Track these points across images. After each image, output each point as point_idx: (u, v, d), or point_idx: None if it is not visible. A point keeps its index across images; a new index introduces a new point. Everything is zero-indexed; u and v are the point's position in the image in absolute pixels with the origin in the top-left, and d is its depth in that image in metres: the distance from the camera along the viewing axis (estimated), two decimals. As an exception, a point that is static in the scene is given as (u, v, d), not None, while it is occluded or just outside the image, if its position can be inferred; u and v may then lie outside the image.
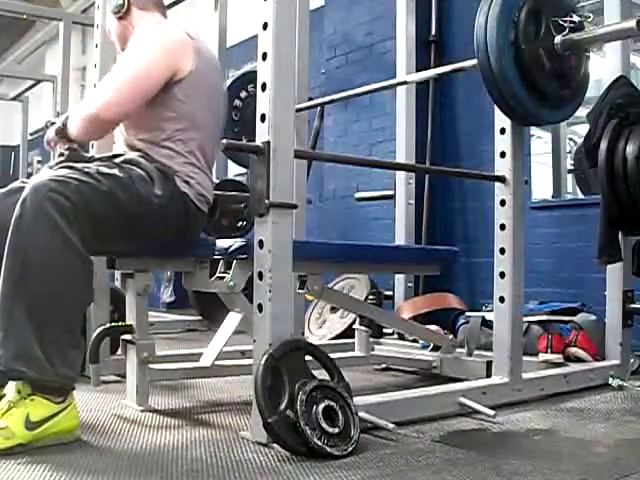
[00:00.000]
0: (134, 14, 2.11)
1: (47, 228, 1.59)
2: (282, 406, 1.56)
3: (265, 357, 1.60)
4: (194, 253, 2.10)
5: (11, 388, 1.59)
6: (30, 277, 1.57)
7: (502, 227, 2.17)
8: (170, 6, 4.31)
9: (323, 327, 3.58)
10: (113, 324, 2.09)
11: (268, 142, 1.64)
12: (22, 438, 1.53)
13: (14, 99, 6.97)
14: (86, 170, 1.75)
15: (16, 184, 1.87)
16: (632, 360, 2.62)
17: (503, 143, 2.18)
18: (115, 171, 1.81)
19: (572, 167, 3.86)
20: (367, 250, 2.39)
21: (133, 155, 1.93)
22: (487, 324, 2.76)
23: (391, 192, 3.64)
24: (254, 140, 1.68)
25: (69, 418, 1.62)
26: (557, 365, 2.53)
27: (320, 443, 1.52)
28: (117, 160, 1.92)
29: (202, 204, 2.00)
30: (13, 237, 1.59)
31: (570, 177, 3.86)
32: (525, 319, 2.55)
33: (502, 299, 2.16)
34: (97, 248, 1.76)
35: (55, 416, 1.58)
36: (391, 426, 1.71)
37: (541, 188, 3.72)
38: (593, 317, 2.81)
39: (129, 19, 2.11)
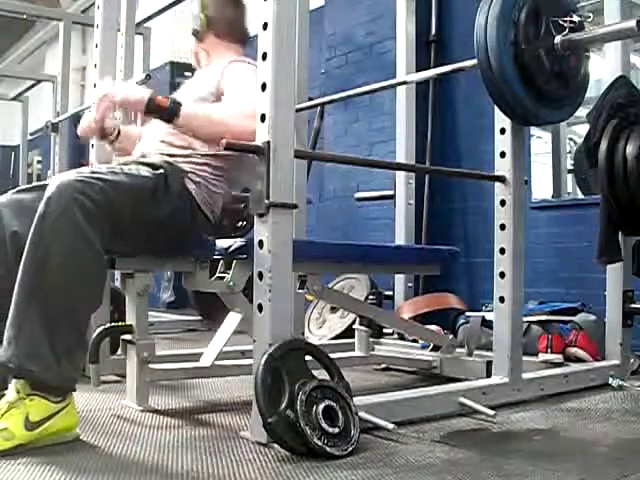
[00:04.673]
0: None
1: (70, 229, 1.61)
2: (282, 406, 1.56)
3: (265, 357, 1.60)
4: (194, 253, 2.10)
5: (9, 387, 1.58)
6: (48, 275, 1.58)
7: (502, 227, 2.17)
8: (170, 6, 4.32)
9: (323, 327, 3.58)
10: (113, 324, 2.09)
11: (268, 142, 1.64)
12: (22, 439, 1.52)
13: (14, 99, 6.97)
14: (110, 170, 1.81)
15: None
16: (632, 360, 2.61)
17: (503, 143, 2.18)
18: (138, 171, 1.89)
19: (572, 167, 3.86)
20: (367, 250, 2.39)
21: (155, 159, 2.00)
22: (487, 324, 2.76)
23: (391, 192, 3.64)
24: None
25: (68, 417, 1.62)
26: (557, 365, 2.52)
27: (320, 443, 1.52)
28: (140, 160, 2.01)
29: (207, 209, 2.04)
30: (35, 234, 1.60)
31: (570, 177, 3.86)
32: (525, 319, 2.55)
33: (502, 299, 2.16)
34: (109, 247, 1.77)
35: (54, 416, 1.58)
36: (391, 426, 1.71)
37: (541, 188, 3.72)
38: (593, 317, 2.81)
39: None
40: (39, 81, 6.71)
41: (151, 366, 2.05)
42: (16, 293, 1.58)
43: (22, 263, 1.59)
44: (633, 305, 2.54)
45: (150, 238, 1.90)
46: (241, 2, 2.39)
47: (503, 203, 2.17)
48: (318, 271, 2.16)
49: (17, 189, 1.91)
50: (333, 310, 3.57)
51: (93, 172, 1.76)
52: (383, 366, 2.89)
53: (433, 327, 2.97)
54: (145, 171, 1.91)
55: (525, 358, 2.27)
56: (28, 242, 1.60)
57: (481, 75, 2.00)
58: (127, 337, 2.03)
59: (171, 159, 2.03)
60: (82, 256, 1.62)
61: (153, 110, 1.90)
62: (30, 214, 1.65)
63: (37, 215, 1.61)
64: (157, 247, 1.96)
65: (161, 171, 1.94)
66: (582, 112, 2.47)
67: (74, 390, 1.65)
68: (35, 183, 1.96)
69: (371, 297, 3.39)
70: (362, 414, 1.69)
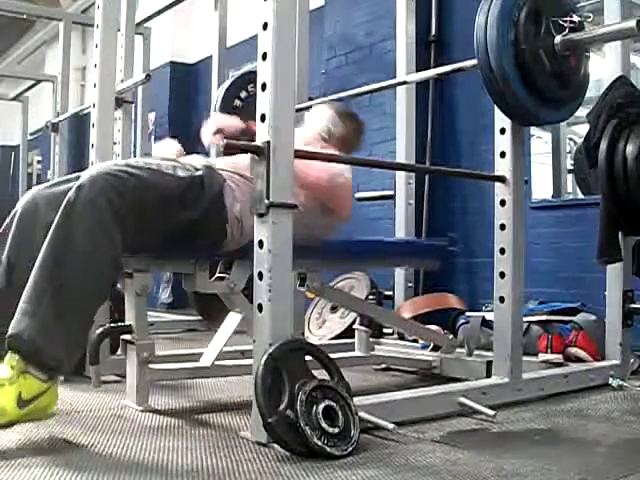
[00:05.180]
0: None
1: (94, 220, 1.64)
2: (282, 406, 1.56)
3: (265, 357, 1.60)
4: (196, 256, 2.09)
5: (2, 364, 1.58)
6: (67, 259, 1.61)
7: (502, 227, 2.17)
8: (170, 6, 4.32)
9: (323, 327, 3.58)
10: (113, 324, 2.09)
11: (268, 142, 1.64)
12: (13, 416, 1.53)
13: (14, 99, 6.97)
14: (147, 165, 1.83)
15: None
16: (632, 360, 2.61)
17: (503, 143, 2.18)
18: (175, 170, 1.88)
19: (572, 167, 3.86)
20: (365, 245, 2.39)
21: (197, 162, 2.01)
22: (487, 324, 2.76)
23: (391, 192, 3.64)
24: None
25: (50, 397, 1.63)
26: (557, 365, 2.52)
27: (320, 443, 1.52)
28: (182, 159, 2.02)
29: (230, 228, 1.96)
30: (61, 219, 1.63)
31: (570, 177, 3.86)
32: (525, 319, 2.55)
33: (502, 299, 2.16)
34: (132, 244, 1.77)
35: (41, 395, 1.59)
36: (391, 426, 1.71)
37: (541, 188, 3.72)
38: (593, 317, 2.81)
39: None
40: (39, 81, 6.70)
41: (151, 366, 2.05)
42: (36, 275, 1.60)
43: (45, 245, 1.62)
44: (633, 305, 2.54)
45: (170, 238, 1.88)
46: (358, 121, 2.60)
47: (503, 203, 2.17)
48: (317, 268, 2.16)
49: (51, 182, 1.93)
50: (333, 310, 3.57)
51: (129, 165, 1.79)
52: (383, 366, 2.89)
53: (433, 327, 2.97)
54: (182, 171, 1.89)
55: (525, 358, 2.28)
56: (54, 225, 1.63)
57: (481, 75, 2.00)
58: (127, 337, 2.03)
59: (220, 168, 2.00)
60: (101, 247, 1.65)
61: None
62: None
63: (65, 200, 1.64)
64: (172, 248, 1.95)
65: (199, 173, 1.92)
66: (582, 112, 2.47)
67: (63, 374, 1.68)
68: (68, 176, 1.95)
69: (371, 297, 3.39)
70: (362, 414, 1.69)
